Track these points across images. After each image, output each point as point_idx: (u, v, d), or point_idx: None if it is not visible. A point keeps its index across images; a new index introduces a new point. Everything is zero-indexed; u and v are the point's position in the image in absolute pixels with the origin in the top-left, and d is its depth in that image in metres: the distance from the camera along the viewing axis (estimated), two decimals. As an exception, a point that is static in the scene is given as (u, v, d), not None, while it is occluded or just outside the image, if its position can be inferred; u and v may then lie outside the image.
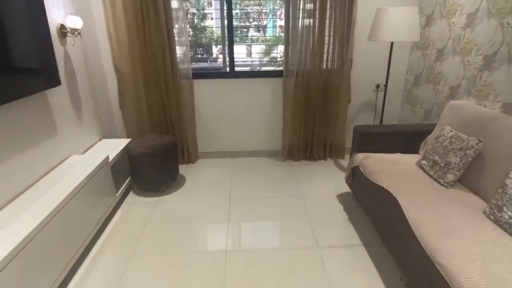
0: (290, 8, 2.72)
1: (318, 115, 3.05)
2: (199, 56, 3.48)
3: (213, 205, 2.45)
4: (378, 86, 3.09)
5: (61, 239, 1.66)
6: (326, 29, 2.77)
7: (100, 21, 2.71)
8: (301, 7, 2.68)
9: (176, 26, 2.75)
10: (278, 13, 3.47)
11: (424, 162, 2.07)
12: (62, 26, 2.15)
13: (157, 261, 1.87)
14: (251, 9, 3.32)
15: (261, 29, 3.62)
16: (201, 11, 3.37)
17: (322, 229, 2.15)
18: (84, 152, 2.45)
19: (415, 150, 2.37)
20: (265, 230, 2.16)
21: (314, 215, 2.31)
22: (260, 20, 3.54)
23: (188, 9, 3.13)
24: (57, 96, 2.12)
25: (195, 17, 3.33)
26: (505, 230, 1.45)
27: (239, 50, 3.43)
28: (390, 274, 1.77)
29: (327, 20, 2.74)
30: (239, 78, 3.02)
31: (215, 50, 3.48)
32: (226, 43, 2.97)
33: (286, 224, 2.22)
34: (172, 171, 2.68)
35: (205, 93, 3.05)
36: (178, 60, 2.81)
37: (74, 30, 2.18)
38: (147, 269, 1.82)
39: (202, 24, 3.45)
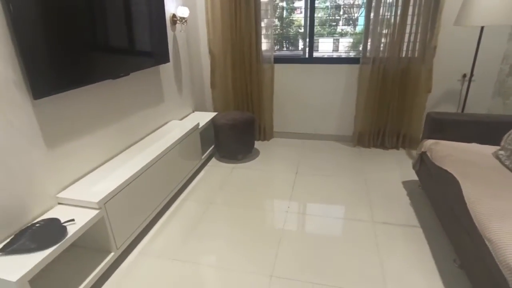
0: (373, -5, 2.78)
1: (394, 103, 3.05)
2: (285, 47, 3.75)
3: (281, 176, 2.74)
4: (465, 75, 2.92)
5: (160, 180, 2.17)
6: (409, 17, 2.75)
7: (201, 10, 3.21)
8: (384, -6, 2.72)
9: (265, 20, 3.08)
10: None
11: (501, 152, 1.97)
12: (174, 15, 2.67)
13: (227, 212, 2.26)
14: (343, 1, 3.42)
15: (351, 22, 3.69)
16: (290, 5, 3.62)
17: (381, 209, 2.24)
18: (181, 119, 2.99)
19: (496, 142, 2.23)
20: (324, 201, 2.35)
21: (375, 196, 2.40)
22: (351, 13, 3.63)
23: (278, 3, 3.41)
24: (166, 71, 2.66)
25: (284, 10, 3.60)
26: None
27: (326, 45, 3.60)
28: (444, 256, 1.80)
29: (410, 7, 2.71)
30: (317, 63, 3.20)
31: (300, 42, 3.70)
32: (308, 30, 3.18)
33: (345, 200, 2.37)
34: (249, 143, 3.05)
35: (285, 77, 3.33)
36: (263, 47, 3.14)
37: (182, 18, 2.69)
38: (219, 216, 2.21)
39: (290, 17, 3.69)
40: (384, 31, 2.85)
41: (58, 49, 1.54)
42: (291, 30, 3.56)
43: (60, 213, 1.59)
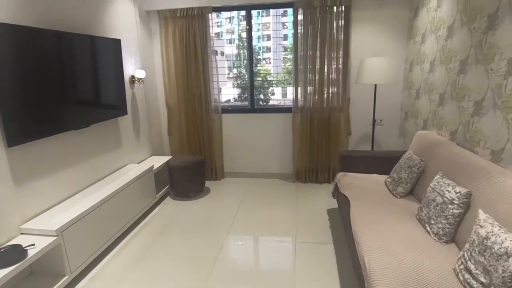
0: (298, 57, 3.51)
1: (322, 144, 3.66)
2: (234, 96, 4.38)
3: (226, 210, 3.15)
4: (375, 120, 3.62)
5: (115, 213, 2.52)
6: (325, 74, 3.47)
7: (159, 72, 3.80)
8: (305, 56, 3.45)
9: (214, 75, 3.71)
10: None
11: (388, 179, 2.55)
12: (133, 76, 3.22)
13: (174, 241, 2.61)
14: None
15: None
16: (236, 61, 4.31)
17: (304, 232, 2.70)
18: (139, 162, 3.39)
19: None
20: (258, 228, 2.77)
21: (302, 222, 2.86)
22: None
23: (224, 61, 4.10)
24: (124, 122, 3.13)
25: (232, 66, 4.28)
26: (421, 224, 1.90)
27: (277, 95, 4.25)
28: (344, 263, 2.25)
29: (325, 67, 3.45)
30: (258, 113, 3.81)
31: (244, 92, 4.36)
32: (249, 84, 3.83)
33: (277, 226, 2.81)
34: (199, 183, 3.48)
35: (232, 124, 3.89)
36: (211, 100, 3.73)
37: (139, 79, 3.24)
38: (166, 244, 2.56)
39: (236, 71, 4.38)
40: (308, 88, 3.54)
41: (29, 106, 1.98)
42: (238, 81, 4.20)
43: (22, 240, 1.90)
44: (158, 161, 3.48)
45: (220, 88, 3.79)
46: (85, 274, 2.21)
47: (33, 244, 1.84)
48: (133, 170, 2.99)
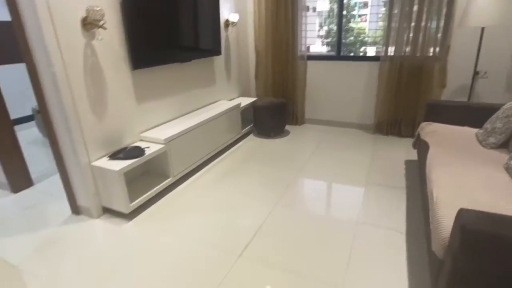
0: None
1: (410, 96, 3.46)
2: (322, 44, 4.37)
3: (302, 149, 3.36)
4: (477, 72, 3.23)
5: (207, 138, 2.97)
6: (423, 18, 3.17)
7: (250, 15, 4.00)
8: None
9: (303, 31, 3.75)
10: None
11: (480, 131, 2.36)
12: (227, 20, 3.49)
13: (254, 169, 2.97)
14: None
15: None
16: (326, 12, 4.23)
17: (377, 174, 2.74)
18: (228, 100, 3.79)
19: (486, 126, 2.59)
20: (330, 166, 2.92)
21: (376, 166, 2.90)
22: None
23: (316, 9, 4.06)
24: (218, 61, 3.49)
25: (323, 23, 4.23)
26: (508, 173, 1.79)
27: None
28: (414, 206, 2.27)
29: (424, 10, 3.15)
30: (343, 60, 3.76)
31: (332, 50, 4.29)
32: (338, 32, 3.75)
33: (348, 167, 2.91)
34: (280, 124, 3.73)
35: (316, 72, 3.94)
36: (298, 46, 3.81)
37: (233, 22, 3.50)
38: (247, 172, 2.93)
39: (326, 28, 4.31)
40: (402, 34, 3.31)
41: (149, 39, 2.42)
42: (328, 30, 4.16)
43: (141, 144, 2.46)
44: (244, 101, 3.81)
45: (309, 46, 3.82)
46: (182, 182, 2.73)
47: (149, 147, 2.37)
48: (224, 105, 3.38)
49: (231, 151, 3.38)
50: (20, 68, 4.24)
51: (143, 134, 2.54)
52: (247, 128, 3.78)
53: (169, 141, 2.48)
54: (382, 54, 3.48)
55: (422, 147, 2.42)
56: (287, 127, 4.10)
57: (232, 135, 3.44)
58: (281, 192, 2.51)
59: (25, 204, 2.48)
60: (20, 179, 2.67)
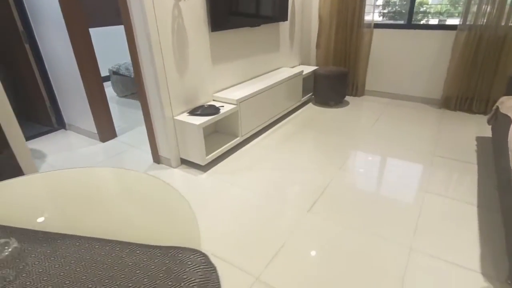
0: (480, -36, 2.99)
1: (487, 70, 3.23)
2: (391, 14, 4.16)
3: (363, 120, 3.34)
4: None
5: (271, 102, 3.07)
6: (516, -17, 2.88)
7: (317, -18, 3.91)
8: (491, -37, 2.92)
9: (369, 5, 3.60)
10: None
11: None
12: (295, -16, 3.45)
13: (313, 134, 3.03)
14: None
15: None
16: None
17: (444, 148, 2.68)
18: (290, 67, 3.83)
19: None
20: (393, 138, 2.89)
21: (444, 140, 2.82)
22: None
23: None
24: (283, 27, 3.50)
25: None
26: None
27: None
28: (486, 182, 2.22)
29: (518, -26, 2.85)
30: (414, 29, 3.57)
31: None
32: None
33: (414, 138, 2.86)
34: (340, 93, 3.70)
35: (382, 40, 3.79)
36: (364, 13, 3.67)
37: (301, -13, 3.45)
38: (307, 136, 3.01)
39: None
40: (485, 1, 3.05)
41: (226, 3, 2.51)
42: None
43: (214, 104, 2.63)
44: (306, 69, 3.82)
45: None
46: (248, 143, 2.90)
47: (223, 106, 2.54)
48: (286, 72, 3.44)
49: (292, 117, 3.47)
50: (98, 32, 4.59)
51: (215, 95, 2.71)
52: (306, 96, 3.81)
53: (240, 101, 2.62)
54: (460, 23, 3.24)
55: (500, 121, 2.31)
56: (346, 98, 4.06)
57: (293, 102, 3.51)
58: (344, 159, 2.57)
59: (112, 152, 2.82)
60: (107, 130, 3.01)
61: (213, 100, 2.73)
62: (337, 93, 3.69)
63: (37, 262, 0.69)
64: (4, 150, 1.50)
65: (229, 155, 2.67)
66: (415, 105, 3.75)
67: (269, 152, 2.71)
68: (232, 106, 2.56)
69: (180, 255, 0.68)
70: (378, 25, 3.76)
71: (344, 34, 3.88)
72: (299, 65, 4.07)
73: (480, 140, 2.82)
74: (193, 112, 2.41)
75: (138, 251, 0.70)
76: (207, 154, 2.43)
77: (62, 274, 0.65)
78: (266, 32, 3.23)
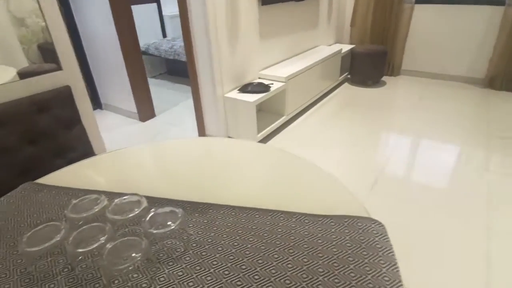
0: None
1: (538, 47, 3.08)
2: None
3: (404, 100, 3.24)
4: None
5: (313, 82, 2.97)
6: None
7: (355, -45, 3.72)
8: None
9: None
10: None
11: None
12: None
13: (355, 114, 2.95)
14: None
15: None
16: None
17: (499, 127, 2.58)
18: (327, 45, 3.70)
19: None
20: (440, 119, 2.80)
21: (497, 120, 2.72)
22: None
23: None
24: (322, 3, 3.37)
25: None
26: None
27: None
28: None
29: None
30: (459, 4, 3.40)
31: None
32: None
33: (459, 120, 2.77)
34: (379, 72, 3.59)
35: (423, 17, 3.63)
36: (407, -14, 3.51)
37: (342, -41, 3.28)
38: (348, 116, 2.93)
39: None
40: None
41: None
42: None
43: (261, 81, 2.54)
44: (342, 47, 3.69)
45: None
46: (294, 120, 2.83)
47: (272, 83, 2.45)
48: (326, 50, 3.32)
49: (330, 97, 3.37)
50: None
51: (261, 72, 2.62)
52: (342, 76, 3.70)
53: (289, 79, 2.53)
54: (511, -4, 3.07)
55: None
56: (382, 77, 3.94)
57: (331, 82, 3.41)
58: (395, 139, 2.50)
59: (154, 131, 2.77)
60: (147, 110, 2.95)
61: (259, 78, 2.64)
62: (375, 72, 3.58)
63: (200, 232, 0.64)
64: (77, 125, 1.45)
65: (275, 135, 2.60)
66: (457, 84, 3.62)
67: (316, 130, 2.64)
68: (281, 84, 2.48)
69: (359, 224, 0.63)
70: (420, 0, 3.59)
71: (383, 10, 3.72)
72: (335, 43, 3.93)
73: (534, 119, 2.72)
74: (243, 90, 2.34)
75: (306, 220, 0.65)
76: (258, 132, 2.37)
77: (236, 244, 0.60)
78: (308, 8, 3.10)
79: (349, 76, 3.81)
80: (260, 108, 2.78)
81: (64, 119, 1.43)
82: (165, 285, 0.53)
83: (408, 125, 2.69)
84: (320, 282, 0.51)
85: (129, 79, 2.75)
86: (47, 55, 1.43)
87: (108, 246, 0.54)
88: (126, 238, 0.56)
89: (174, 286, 0.53)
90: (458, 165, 2.12)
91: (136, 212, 0.62)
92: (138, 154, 1.05)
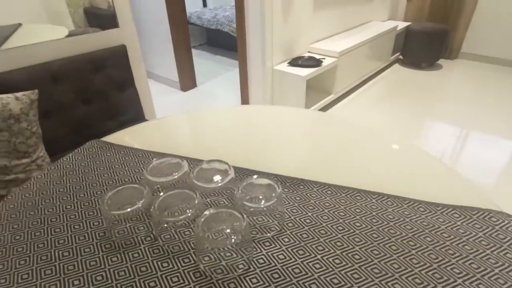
0: None
1: None
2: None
3: (464, 87, 2.95)
4: None
5: (363, 61, 2.76)
6: None
7: None
8: None
9: None
10: None
11: None
12: None
13: (404, 98, 2.73)
14: None
15: None
16: None
17: None
18: (381, 21, 3.42)
19: None
20: (506, 114, 2.53)
21: None
22: None
23: None
24: (381, -26, 3.08)
25: None
26: None
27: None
28: None
29: None
30: (541, -20, 2.99)
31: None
32: None
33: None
34: (436, 54, 3.28)
35: (492, -5, 3.24)
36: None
37: None
38: (397, 99, 2.71)
39: None
40: None
41: None
42: None
43: (311, 55, 2.38)
44: (397, 24, 3.40)
45: None
46: (341, 100, 2.66)
47: (324, 58, 2.29)
48: (379, 26, 3.06)
49: (380, 78, 3.14)
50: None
51: (311, 45, 2.45)
52: (393, 56, 3.43)
53: (341, 54, 2.35)
54: None
55: None
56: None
57: (382, 62, 3.17)
58: (454, 130, 2.28)
59: (196, 101, 2.72)
60: (189, 80, 2.89)
61: (308, 52, 2.48)
62: (431, 54, 3.27)
63: (295, 211, 0.55)
64: (131, 87, 1.40)
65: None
66: (525, 72, 3.26)
67: (363, 114, 2.47)
68: (333, 59, 2.31)
69: (493, 219, 0.51)
70: (492, -26, 3.19)
71: (447, -16, 3.36)
72: (388, 20, 3.63)
73: None
74: (293, 63, 2.20)
75: (421, 209, 0.54)
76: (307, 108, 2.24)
77: (341, 228, 0.51)
78: (365, -22, 2.85)
79: (400, 57, 3.53)
80: (307, 85, 2.63)
81: (118, 80, 1.38)
82: (267, 268, 0.45)
83: (466, 116, 2.45)
84: (460, 287, 0.41)
85: (173, 47, 2.68)
86: (92, 19, 1.36)
87: (202, 218, 0.46)
88: (220, 211, 0.48)
89: (277, 271, 0.45)
90: (529, 160, 1.90)
91: (225, 182, 0.55)
92: (203, 119, 0.97)
